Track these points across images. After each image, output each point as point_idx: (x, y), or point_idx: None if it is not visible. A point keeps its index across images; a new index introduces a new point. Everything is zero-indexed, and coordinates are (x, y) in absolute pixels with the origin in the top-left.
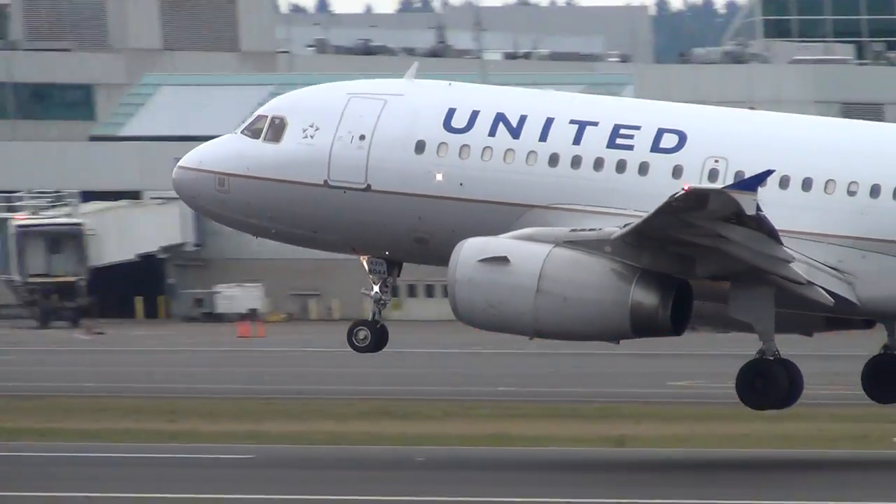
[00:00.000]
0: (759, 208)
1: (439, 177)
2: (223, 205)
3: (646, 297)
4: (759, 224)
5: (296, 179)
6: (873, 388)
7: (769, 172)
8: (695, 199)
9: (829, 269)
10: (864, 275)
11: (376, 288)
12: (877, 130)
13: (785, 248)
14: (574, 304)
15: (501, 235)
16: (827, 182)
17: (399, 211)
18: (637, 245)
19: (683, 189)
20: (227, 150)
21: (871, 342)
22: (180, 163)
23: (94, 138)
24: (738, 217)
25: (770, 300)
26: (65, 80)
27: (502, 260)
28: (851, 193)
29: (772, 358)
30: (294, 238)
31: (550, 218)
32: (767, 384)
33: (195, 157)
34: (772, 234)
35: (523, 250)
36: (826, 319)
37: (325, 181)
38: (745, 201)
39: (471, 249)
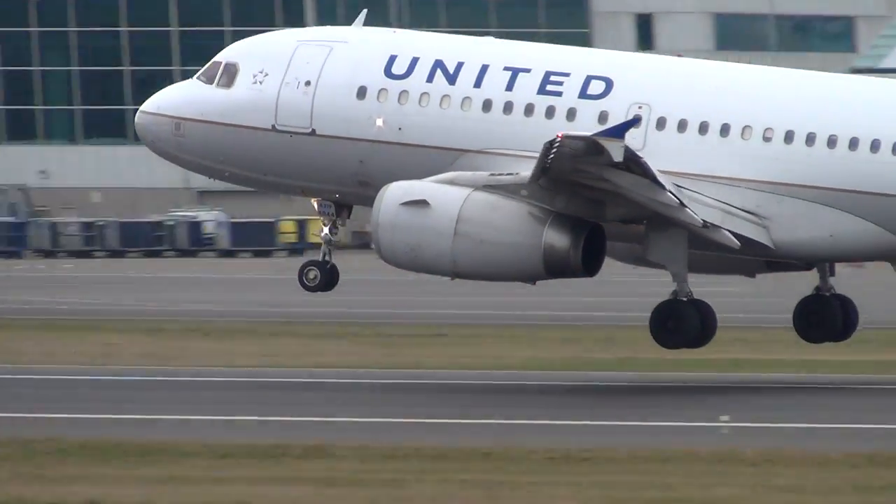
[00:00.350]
0: (635, 155)
1: (379, 122)
2: (180, 148)
3: (558, 240)
4: (643, 170)
5: (245, 124)
6: (803, 328)
7: (637, 120)
8: (567, 146)
9: (744, 213)
10: (779, 218)
11: (326, 230)
12: (793, 77)
13: (668, 194)
14: (490, 247)
15: (424, 179)
16: (744, 128)
17: (342, 155)
18: (551, 189)
19: (557, 136)
20: (183, 95)
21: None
22: (142, 107)
23: (854, 71)
24: (626, 163)
25: (682, 243)
26: (826, 11)
27: (422, 203)
28: (767, 139)
29: (685, 299)
30: (246, 181)
31: (483, 162)
32: (679, 325)
33: (154, 101)
34: (654, 180)
35: (443, 194)
36: (766, 263)
37: (273, 126)
38: (613, 148)
39: (393, 193)
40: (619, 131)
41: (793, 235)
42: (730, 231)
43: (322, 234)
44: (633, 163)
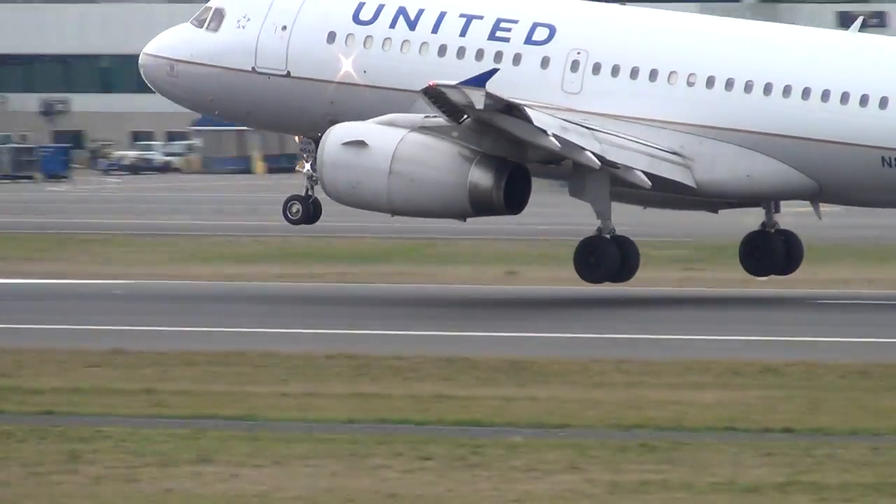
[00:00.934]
0: (509, 102)
1: (347, 65)
2: (174, 87)
3: (482, 179)
4: (523, 115)
5: (229, 66)
6: (747, 261)
7: (495, 71)
8: (435, 93)
9: (670, 154)
10: (701, 159)
11: (308, 165)
12: (720, 25)
13: (550, 138)
14: (420, 184)
15: (366, 121)
16: (670, 73)
17: (315, 96)
18: (478, 130)
19: (429, 84)
20: (177, 39)
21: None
22: (144, 49)
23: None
24: (508, 108)
25: (603, 183)
26: None
27: (361, 144)
28: (690, 84)
29: (607, 236)
30: (234, 117)
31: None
32: (599, 260)
33: (153, 44)
34: (531, 123)
35: (380, 135)
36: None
37: (253, 67)
38: (475, 96)
39: (335, 134)
40: (481, 80)
41: (713, 175)
42: (651, 172)
43: (305, 171)
44: (514, 108)
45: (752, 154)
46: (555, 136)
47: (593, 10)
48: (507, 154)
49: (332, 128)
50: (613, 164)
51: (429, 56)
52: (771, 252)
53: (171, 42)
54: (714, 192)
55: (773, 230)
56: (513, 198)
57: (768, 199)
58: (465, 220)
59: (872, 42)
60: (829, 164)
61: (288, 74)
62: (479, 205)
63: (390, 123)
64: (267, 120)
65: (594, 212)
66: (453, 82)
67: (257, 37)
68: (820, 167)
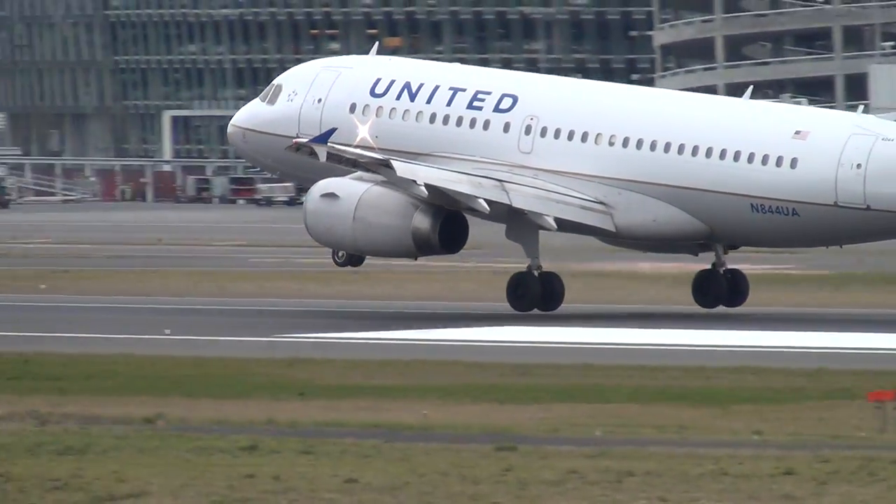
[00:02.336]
0: (357, 157)
1: (362, 132)
2: (247, 151)
3: (422, 223)
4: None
5: (281, 133)
6: (697, 295)
7: (333, 130)
8: (296, 149)
9: (595, 203)
10: (619, 206)
11: None
12: (639, 94)
13: (420, 187)
14: (376, 228)
15: (342, 177)
16: (597, 135)
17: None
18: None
19: (293, 142)
20: (249, 111)
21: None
22: (230, 121)
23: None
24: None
25: (528, 228)
26: None
27: (334, 195)
28: (611, 144)
29: (535, 273)
30: (292, 177)
31: (430, 163)
32: (525, 292)
33: (236, 116)
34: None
35: (349, 188)
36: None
37: (297, 134)
38: (319, 151)
39: (316, 188)
40: (324, 138)
41: (628, 220)
42: (568, 219)
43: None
44: (348, 161)
45: (657, 202)
46: (428, 185)
47: (548, 82)
48: (444, 203)
49: (316, 183)
50: (522, 211)
51: (423, 122)
52: (717, 288)
53: (245, 114)
54: (628, 234)
55: (721, 269)
56: (451, 240)
57: (673, 241)
58: (416, 260)
59: (749, 106)
60: (712, 210)
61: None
62: (422, 246)
63: (359, 178)
64: (310, 177)
65: (525, 251)
66: (302, 140)
67: (300, 108)
68: (707, 213)
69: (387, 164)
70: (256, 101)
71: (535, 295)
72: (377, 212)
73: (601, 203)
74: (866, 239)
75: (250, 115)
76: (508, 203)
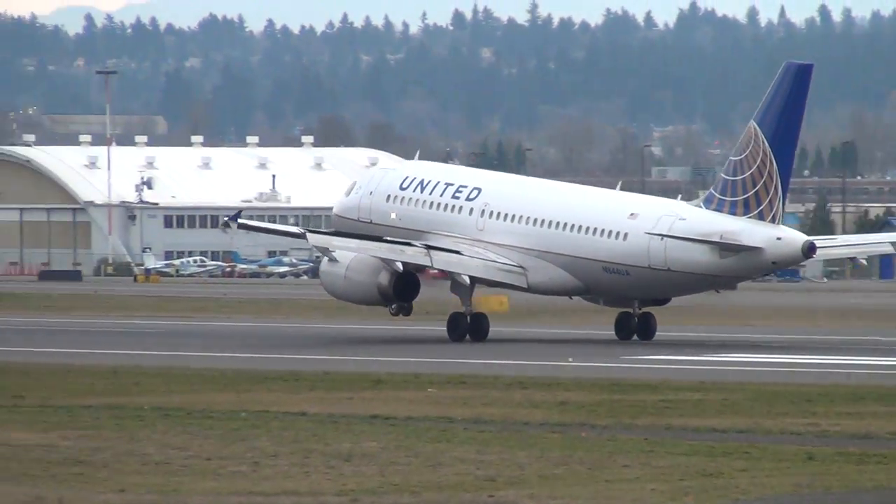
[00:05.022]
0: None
1: (393, 216)
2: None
3: (383, 280)
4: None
5: (351, 217)
6: (618, 331)
7: (240, 212)
8: (226, 225)
9: (515, 266)
10: (530, 269)
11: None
12: (553, 188)
13: (335, 255)
14: (357, 285)
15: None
16: (521, 217)
17: (383, 232)
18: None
19: (238, 221)
20: (340, 202)
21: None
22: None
23: None
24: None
25: (460, 285)
26: None
27: (335, 261)
28: (527, 223)
29: (467, 315)
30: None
31: (429, 238)
32: (457, 327)
33: (335, 206)
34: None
35: (343, 255)
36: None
37: (358, 217)
38: (233, 225)
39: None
40: (235, 217)
41: (536, 279)
42: (489, 278)
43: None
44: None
45: (551, 266)
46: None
47: (502, 179)
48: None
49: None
50: (443, 271)
51: (425, 208)
52: (630, 326)
53: (338, 205)
54: (536, 290)
55: (634, 313)
56: (405, 292)
57: (565, 295)
58: (386, 307)
59: (607, 195)
60: (581, 272)
61: (370, 222)
62: (385, 297)
63: (356, 249)
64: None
65: (461, 301)
66: (226, 218)
67: (360, 199)
68: (580, 274)
69: (302, 236)
70: (343, 194)
71: (464, 330)
72: (356, 272)
73: (520, 266)
74: (675, 293)
75: (339, 205)
76: (428, 265)
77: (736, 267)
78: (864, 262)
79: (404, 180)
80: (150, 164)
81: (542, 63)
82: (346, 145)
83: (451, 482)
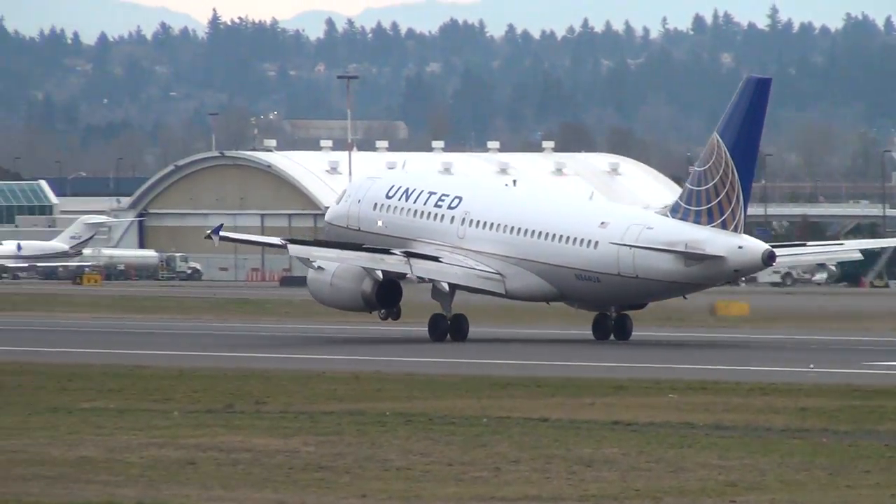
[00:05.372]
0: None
1: (379, 223)
2: (331, 237)
3: (367, 287)
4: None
5: (340, 224)
6: (594, 332)
7: (221, 226)
8: (208, 236)
9: (494, 273)
10: (509, 276)
11: None
12: (524, 195)
13: (319, 263)
14: (343, 291)
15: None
16: (499, 225)
17: (370, 240)
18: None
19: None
20: (331, 210)
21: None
22: (325, 217)
23: None
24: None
25: (439, 291)
26: None
27: (322, 269)
28: (505, 232)
29: (447, 316)
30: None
31: (413, 245)
32: (437, 327)
33: (326, 214)
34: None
35: (328, 264)
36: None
37: (347, 225)
38: (214, 238)
39: (314, 263)
40: (217, 230)
41: (513, 285)
42: (469, 285)
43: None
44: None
45: (528, 273)
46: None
47: (481, 187)
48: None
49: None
50: (422, 279)
51: (409, 216)
52: (607, 328)
53: (329, 212)
54: (513, 296)
55: (611, 315)
56: (388, 299)
57: (542, 301)
58: (370, 313)
59: (580, 204)
60: (556, 279)
61: (359, 229)
62: (369, 304)
63: (339, 259)
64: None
65: (441, 305)
66: (210, 230)
67: (348, 207)
68: (554, 281)
69: (283, 246)
70: (333, 202)
71: (445, 331)
72: (341, 280)
73: (498, 273)
74: (645, 299)
75: (330, 212)
76: (408, 273)
77: (700, 275)
78: (834, 268)
79: (390, 189)
80: (391, 169)
81: (783, 68)
82: (587, 150)
83: (693, 487)
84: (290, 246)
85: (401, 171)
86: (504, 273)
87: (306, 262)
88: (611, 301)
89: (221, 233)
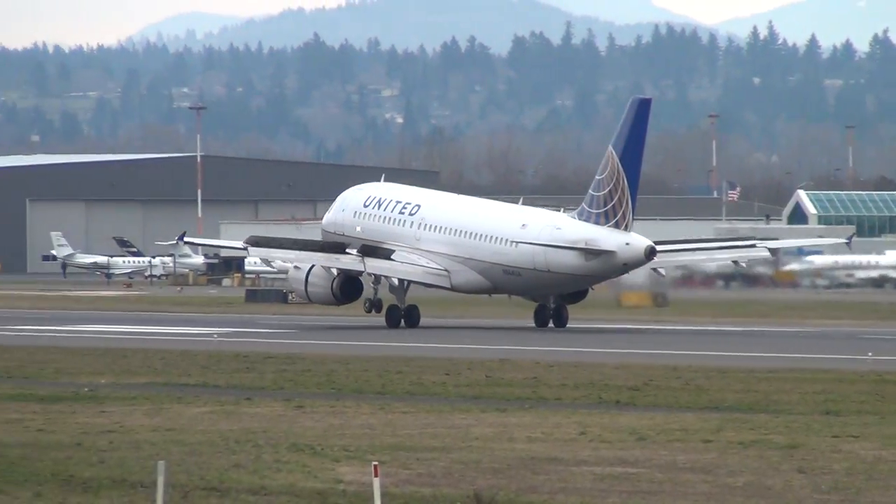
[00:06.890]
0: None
1: (358, 229)
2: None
3: (335, 285)
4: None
5: (332, 231)
6: (536, 320)
7: (185, 233)
8: (179, 239)
9: (440, 269)
10: (453, 272)
11: (371, 280)
12: (476, 204)
13: (276, 262)
14: (316, 288)
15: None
16: (446, 228)
17: (354, 244)
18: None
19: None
20: (325, 218)
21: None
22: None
23: None
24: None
25: (395, 287)
26: None
27: (299, 268)
28: (452, 234)
29: (401, 307)
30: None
31: (384, 248)
32: (392, 316)
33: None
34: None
35: (305, 265)
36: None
37: (335, 231)
38: (179, 244)
39: (293, 263)
40: (182, 237)
41: (457, 280)
42: (417, 280)
43: (371, 281)
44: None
45: (469, 270)
46: (249, 249)
47: (438, 196)
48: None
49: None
50: (376, 275)
51: (380, 223)
52: (545, 316)
53: (324, 220)
54: (458, 290)
55: (549, 306)
56: (350, 293)
57: (482, 293)
58: (338, 306)
59: (508, 209)
60: (489, 274)
61: (343, 234)
62: (337, 299)
63: (315, 260)
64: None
65: (396, 298)
66: (178, 236)
67: (335, 215)
68: (488, 276)
69: (245, 249)
70: (328, 212)
71: (399, 319)
72: (316, 277)
73: (445, 270)
74: (559, 290)
75: (324, 219)
76: (361, 271)
77: (597, 268)
78: (744, 265)
79: (367, 199)
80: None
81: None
82: None
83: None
84: (250, 248)
85: (379, 183)
86: (450, 269)
87: (266, 262)
88: (534, 293)
89: (186, 238)
